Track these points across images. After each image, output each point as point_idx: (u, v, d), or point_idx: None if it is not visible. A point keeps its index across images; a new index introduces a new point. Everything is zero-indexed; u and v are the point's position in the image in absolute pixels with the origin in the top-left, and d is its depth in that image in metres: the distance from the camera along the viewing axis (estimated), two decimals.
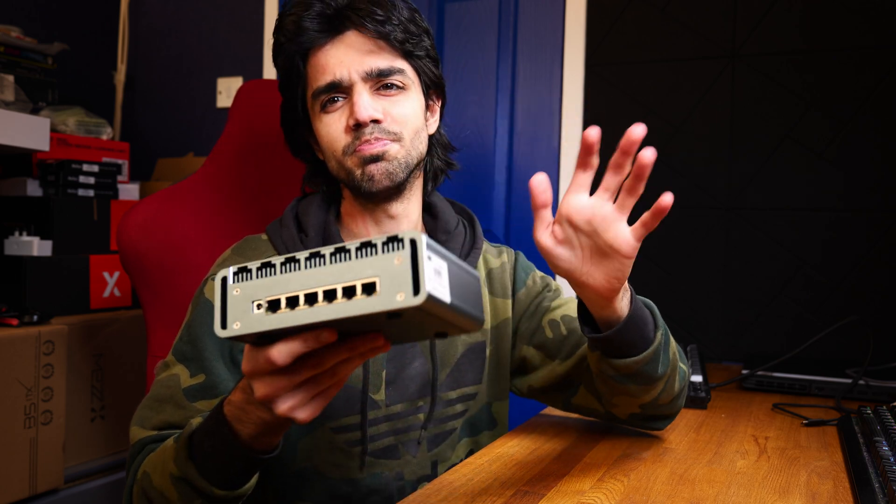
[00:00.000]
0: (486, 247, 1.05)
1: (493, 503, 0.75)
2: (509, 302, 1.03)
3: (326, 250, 0.56)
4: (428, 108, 0.96)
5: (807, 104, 1.62)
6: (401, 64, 0.90)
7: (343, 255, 0.55)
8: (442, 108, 1.00)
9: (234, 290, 0.58)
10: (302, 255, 0.56)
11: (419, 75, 0.93)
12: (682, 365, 0.91)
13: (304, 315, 0.55)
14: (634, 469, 0.86)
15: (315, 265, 0.56)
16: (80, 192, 1.77)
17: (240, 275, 0.58)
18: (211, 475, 0.71)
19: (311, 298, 0.55)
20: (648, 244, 1.75)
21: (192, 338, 0.87)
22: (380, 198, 0.92)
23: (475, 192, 1.97)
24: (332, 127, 0.89)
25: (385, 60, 0.89)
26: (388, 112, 0.88)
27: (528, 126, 1.92)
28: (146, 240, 1.14)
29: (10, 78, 1.79)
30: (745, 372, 1.33)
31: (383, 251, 0.54)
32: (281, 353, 0.57)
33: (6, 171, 1.84)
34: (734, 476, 0.84)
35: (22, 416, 1.49)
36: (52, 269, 1.69)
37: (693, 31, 1.72)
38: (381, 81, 0.89)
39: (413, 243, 0.53)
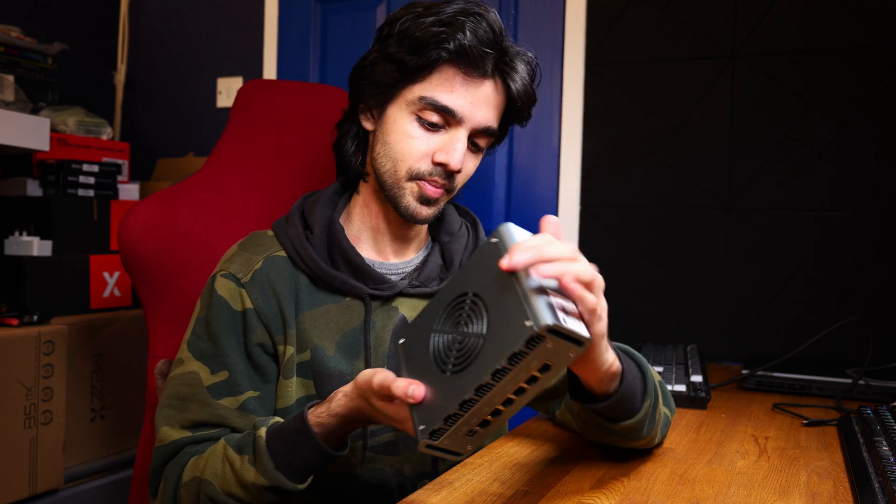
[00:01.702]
0: None
1: (493, 503, 0.75)
2: None
3: (487, 378, 0.62)
4: None
5: (807, 104, 1.62)
6: (497, 129, 0.93)
7: (502, 372, 0.62)
8: None
9: (446, 442, 0.67)
10: (469, 393, 0.63)
11: (494, 142, 0.97)
12: (665, 411, 0.90)
13: (505, 414, 0.66)
14: (634, 469, 0.86)
15: (486, 391, 0.63)
16: (80, 192, 1.77)
17: (436, 432, 0.66)
18: (296, 478, 0.79)
19: (507, 403, 0.65)
20: (648, 244, 1.76)
21: (212, 335, 0.89)
22: None
23: (475, 193, 1.97)
24: (418, 143, 0.89)
25: (496, 121, 0.92)
26: (464, 167, 0.92)
27: (528, 126, 1.91)
28: (146, 240, 1.14)
29: (10, 78, 1.79)
30: (745, 372, 1.33)
31: (530, 348, 0.60)
32: None
33: (6, 171, 1.84)
34: (734, 476, 0.84)
35: (22, 416, 1.49)
36: (52, 269, 1.69)
37: (693, 31, 1.72)
38: (477, 137, 0.92)
39: (553, 331, 0.59)
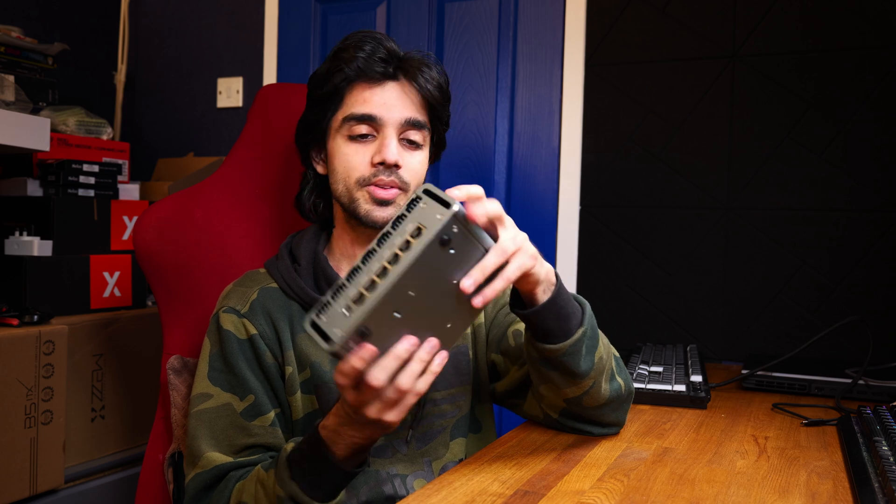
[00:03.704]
0: None
1: (493, 503, 0.75)
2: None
3: (373, 244, 0.69)
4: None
5: (807, 104, 1.63)
6: (426, 123, 1.00)
7: (386, 236, 0.69)
8: (432, 163, 1.09)
9: (324, 319, 0.69)
10: (358, 261, 0.69)
11: (433, 138, 1.04)
12: (618, 378, 0.94)
13: (384, 285, 0.67)
14: (634, 469, 0.86)
15: (370, 258, 0.69)
16: (81, 192, 1.77)
17: (321, 309, 0.70)
18: (312, 491, 0.81)
19: (381, 273, 0.68)
20: (648, 244, 1.76)
21: (229, 366, 0.96)
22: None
23: None
24: (356, 157, 0.97)
25: (419, 115, 0.99)
26: (406, 162, 0.98)
27: (528, 126, 1.92)
28: (161, 240, 1.16)
29: (11, 78, 1.79)
30: (745, 372, 1.34)
31: (410, 211, 0.69)
32: (377, 377, 0.72)
33: (6, 171, 1.84)
34: (734, 476, 0.84)
35: (22, 415, 1.49)
36: (52, 269, 1.69)
37: (693, 31, 1.72)
38: (407, 132, 0.98)
39: (426, 190, 0.69)
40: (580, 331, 0.86)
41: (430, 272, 0.70)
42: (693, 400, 1.17)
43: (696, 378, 1.26)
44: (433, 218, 0.68)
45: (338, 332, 0.68)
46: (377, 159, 0.96)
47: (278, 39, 2.21)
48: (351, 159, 0.97)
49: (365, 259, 0.69)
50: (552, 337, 0.85)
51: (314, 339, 0.69)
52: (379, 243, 0.69)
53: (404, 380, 0.73)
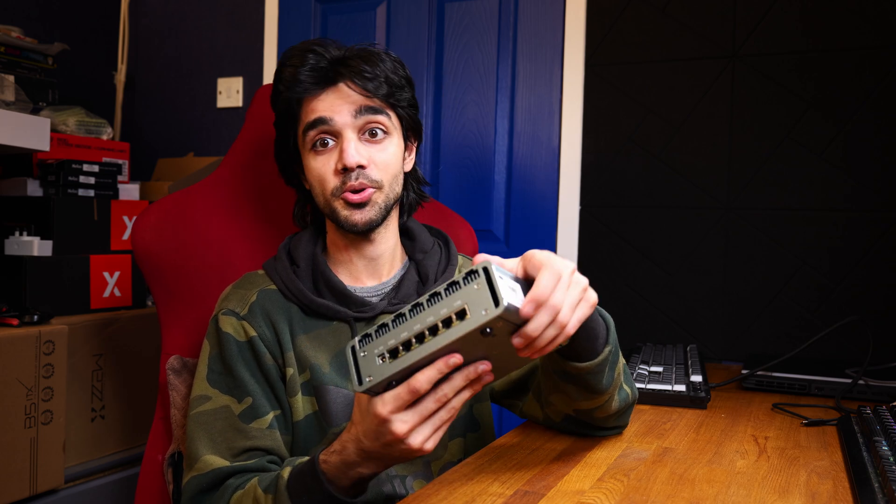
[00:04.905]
0: (462, 261, 1.14)
1: (493, 503, 0.75)
2: None
3: (423, 299, 0.69)
4: (406, 148, 1.04)
5: (807, 104, 1.63)
6: (385, 111, 0.99)
7: (436, 297, 0.68)
8: (418, 146, 1.08)
9: (362, 353, 0.72)
10: (406, 309, 0.70)
11: (401, 121, 1.02)
12: (625, 386, 0.94)
13: (416, 353, 0.69)
14: (634, 469, 0.86)
15: (417, 312, 0.69)
16: (81, 192, 1.77)
17: (363, 340, 0.72)
18: None
19: (419, 338, 0.69)
20: (648, 244, 1.76)
21: (228, 368, 0.96)
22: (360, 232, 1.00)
23: (475, 192, 1.97)
24: (323, 168, 0.98)
25: (370, 102, 0.98)
26: (373, 159, 0.97)
27: (528, 126, 1.92)
28: (160, 240, 1.16)
29: (11, 78, 1.79)
30: (745, 372, 1.33)
31: (464, 284, 0.67)
32: (420, 381, 0.69)
33: (6, 171, 1.84)
34: (734, 476, 0.84)
35: (22, 415, 1.49)
36: (52, 269, 1.69)
37: (693, 31, 1.72)
38: (367, 125, 0.97)
39: (486, 270, 0.66)
40: (606, 349, 0.84)
41: (466, 348, 0.69)
42: (693, 400, 1.17)
43: (696, 378, 1.26)
44: (479, 309, 0.66)
45: (367, 379, 0.71)
46: (339, 166, 0.96)
47: (278, 39, 2.21)
48: (319, 171, 0.98)
49: (413, 310, 0.69)
50: (578, 356, 0.83)
51: (349, 365, 0.72)
52: (429, 301, 0.69)
53: (447, 387, 0.70)
